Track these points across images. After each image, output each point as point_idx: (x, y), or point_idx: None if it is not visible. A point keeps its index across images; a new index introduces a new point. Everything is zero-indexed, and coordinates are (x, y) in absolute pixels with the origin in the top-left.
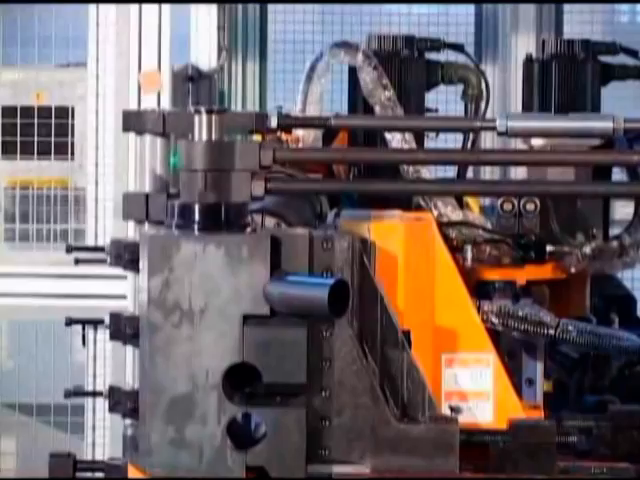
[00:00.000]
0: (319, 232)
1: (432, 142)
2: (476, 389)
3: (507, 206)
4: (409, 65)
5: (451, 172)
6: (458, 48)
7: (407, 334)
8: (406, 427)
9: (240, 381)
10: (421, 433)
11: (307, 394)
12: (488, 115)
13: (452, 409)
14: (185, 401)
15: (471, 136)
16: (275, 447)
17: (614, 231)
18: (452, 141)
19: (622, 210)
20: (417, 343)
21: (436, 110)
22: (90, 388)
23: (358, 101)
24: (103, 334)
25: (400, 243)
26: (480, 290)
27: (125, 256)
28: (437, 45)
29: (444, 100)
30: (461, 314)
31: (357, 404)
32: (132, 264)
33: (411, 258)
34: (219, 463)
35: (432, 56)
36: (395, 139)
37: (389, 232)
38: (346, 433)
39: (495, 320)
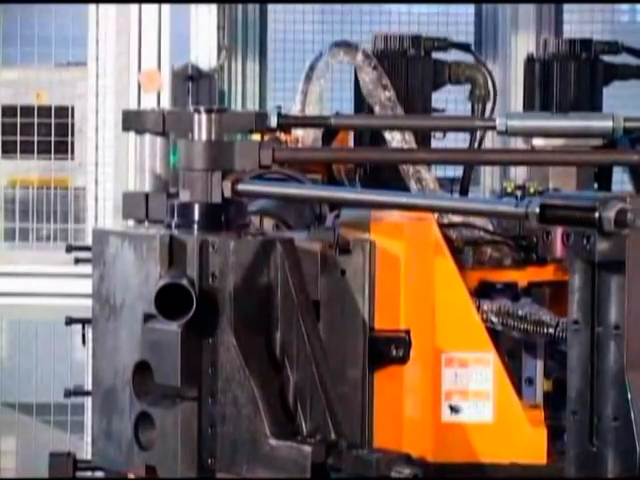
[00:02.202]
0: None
1: (440, 142)
2: (476, 389)
3: None
4: (416, 65)
5: (452, 172)
6: (465, 48)
7: (406, 333)
8: (276, 444)
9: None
10: (281, 452)
11: (198, 398)
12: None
13: (452, 409)
14: (111, 394)
15: (478, 136)
16: (164, 449)
17: None
18: (461, 141)
19: None
20: (417, 342)
21: (443, 110)
22: (90, 387)
23: (362, 101)
24: None
25: (401, 243)
26: (481, 292)
27: None
28: (443, 45)
29: (452, 100)
30: (461, 314)
31: (240, 414)
32: None
33: (412, 258)
34: (130, 458)
35: (438, 56)
36: (395, 139)
37: (390, 232)
38: (230, 443)
39: (494, 319)
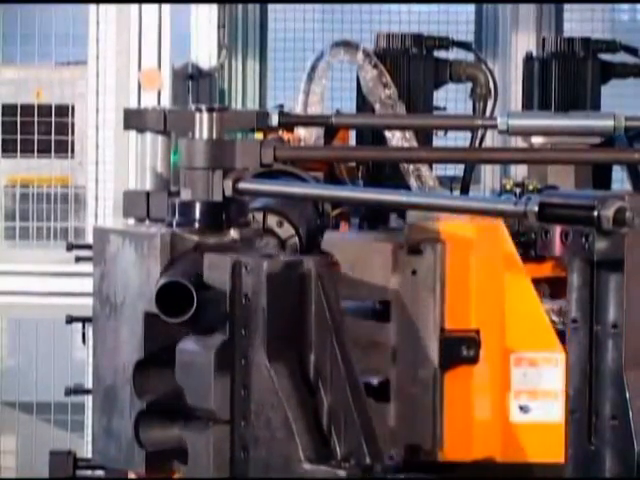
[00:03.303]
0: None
1: (441, 140)
2: (545, 388)
3: None
4: (417, 63)
5: (452, 171)
6: (466, 46)
7: (476, 333)
8: (309, 468)
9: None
10: (315, 476)
11: (231, 421)
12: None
13: (521, 408)
14: (112, 393)
15: (479, 134)
16: (196, 472)
17: None
18: (462, 139)
19: None
20: (487, 343)
21: (444, 108)
22: (90, 386)
23: (364, 99)
24: None
25: (470, 242)
26: None
27: None
28: (445, 43)
29: (453, 98)
30: (530, 314)
31: (273, 438)
32: None
33: (481, 257)
34: (130, 457)
35: (439, 54)
36: (395, 137)
37: (459, 232)
38: (262, 466)
39: (556, 319)
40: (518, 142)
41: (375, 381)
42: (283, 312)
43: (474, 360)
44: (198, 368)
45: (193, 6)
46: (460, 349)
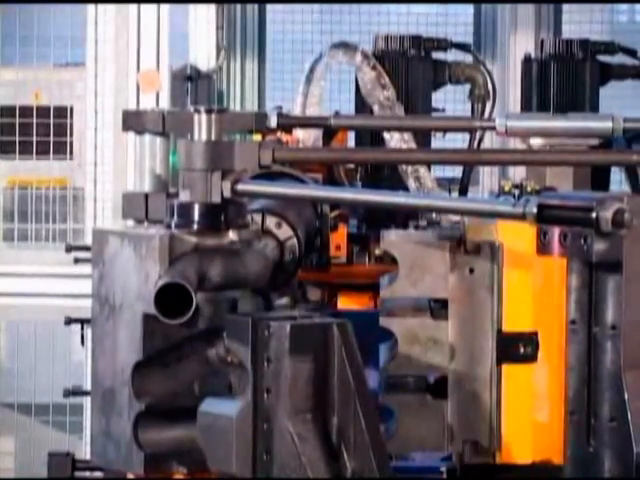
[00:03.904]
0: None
1: (439, 142)
2: None
3: None
4: (416, 65)
5: (451, 172)
6: (465, 48)
7: (534, 335)
8: None
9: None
10: None
11: None
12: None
13: None
14: (110, 394)
15: (478, 135)
16: None
17: None
18: (460, 141)
19: None
20: (544, 343)
21: (443, 110)
22: (89, 387)
23: (363, 101)
24: None
25: (529, 243)
26: None
27: None
28: (444, 45)
29: (452, 100)
30: None
31: None
32: None
33: (538, 260)
34: (129, 458)
35: (438, 56)
36: (394, 139)
37: (517, 233)
38: None
39: None
40: (516, 144)
41: (433, 378)
42: (306, 376)
43: (532, 359)
44: (219, 432)
45: (191, 7)
46: (517, 347)
